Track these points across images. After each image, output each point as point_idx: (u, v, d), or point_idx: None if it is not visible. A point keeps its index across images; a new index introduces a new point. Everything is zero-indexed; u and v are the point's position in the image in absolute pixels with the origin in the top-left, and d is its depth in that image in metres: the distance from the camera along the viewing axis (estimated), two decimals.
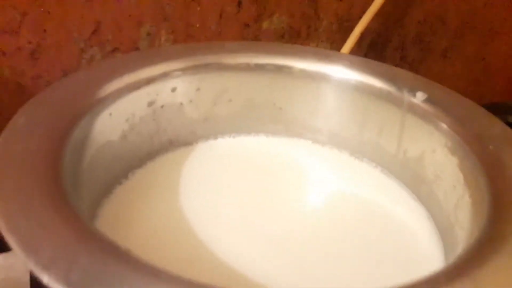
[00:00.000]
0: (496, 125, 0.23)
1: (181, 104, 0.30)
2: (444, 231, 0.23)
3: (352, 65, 0.30)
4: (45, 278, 0.13)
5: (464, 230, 0.20)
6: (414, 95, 0.27)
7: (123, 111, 0.27)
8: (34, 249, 0.14)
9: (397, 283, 0.21)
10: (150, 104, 0.28)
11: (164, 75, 0.28)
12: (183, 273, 0.21)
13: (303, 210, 0.27)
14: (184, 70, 0.29)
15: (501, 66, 0.55)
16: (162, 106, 0.29)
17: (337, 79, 0.30)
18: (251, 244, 0.24)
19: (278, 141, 0.32)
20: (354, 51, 0.40)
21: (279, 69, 0.31)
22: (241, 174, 0.30)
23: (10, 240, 0.14)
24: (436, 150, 0.25)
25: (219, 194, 0.28)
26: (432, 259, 0.23)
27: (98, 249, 0.14)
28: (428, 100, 0.26)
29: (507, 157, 0.20)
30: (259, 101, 0.32)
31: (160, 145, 0.30)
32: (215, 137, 0.32)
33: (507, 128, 0.23)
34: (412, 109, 0.27)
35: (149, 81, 0.28)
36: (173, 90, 0.29)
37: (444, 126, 0.25)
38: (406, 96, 0.27)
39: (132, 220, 0.25)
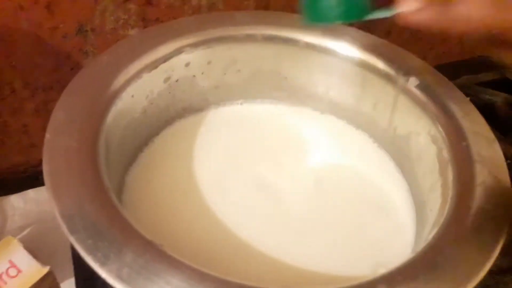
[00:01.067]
0: (477, 121, 0.26)
1: (194, 76, 0.33)
2: (418, 206, 0.28)
3: (354, 41, 0.32)
4: (102, 274, 0.18)
5: (433, 213, 0.24)
6: (408, 80, 0.29)
7: (143, 90, 0.30)
8: (91, 249, 0.18)
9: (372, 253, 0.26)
10: (166, 80, 0.31)
11: (179, 52, 0.31)
12: (194, 230, 0.26)
13: (300, 177, 0.31)
14: (196, 46, 0.31)
15: None
16: (177, 80, 0.32)
17: (339, 54, 0.32)
18: (249, 204, 0.29)
19: (281, 108, 0.35)
20: None
21: (286, 41, 0.33)
22: (247, 139, 0.33)
23: (71, 240, 0.19)
24: (420, 134, 0.28)
25: (226, 158, 0.32)
26: (406, 228, 0.28)
27: (142, 247, 0.19)
28: (420, 86, 0.29)
29: (475, 156, 0.24)
30: (266, 71, 0.34)
31: (175, 112, 0.33)
32: (225, 104, 0.35)
33: (485, 126, 0.25)
34: (405, 92, 0.30)
35: (165, 59, 0.30)
36: (187, 65, 0.32)
37: (431, 114, 0.28)
38: (401, 79, 0.30)
39: (154, 185, 0.29)
